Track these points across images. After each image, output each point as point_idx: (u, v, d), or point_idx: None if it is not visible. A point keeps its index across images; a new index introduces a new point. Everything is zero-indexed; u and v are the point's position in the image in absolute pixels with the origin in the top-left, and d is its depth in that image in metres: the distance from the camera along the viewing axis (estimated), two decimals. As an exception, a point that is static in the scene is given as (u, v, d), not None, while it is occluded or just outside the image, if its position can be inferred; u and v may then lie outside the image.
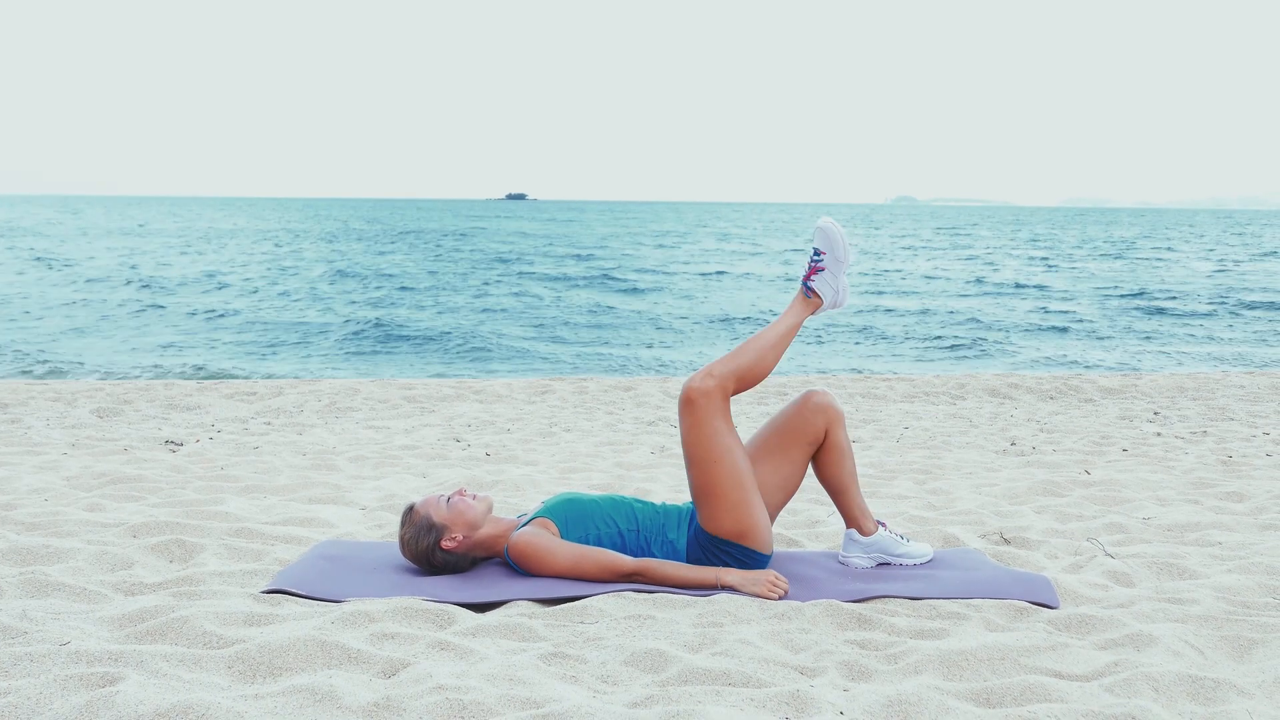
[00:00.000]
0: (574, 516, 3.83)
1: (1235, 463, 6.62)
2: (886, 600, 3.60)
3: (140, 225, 64.79)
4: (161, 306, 21.88)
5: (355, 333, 18.20)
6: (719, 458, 3.67)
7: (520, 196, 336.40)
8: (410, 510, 3.84)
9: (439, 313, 21.33)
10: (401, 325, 18.91)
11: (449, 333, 18.17)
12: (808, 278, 3.86)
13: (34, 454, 6.51)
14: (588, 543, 3.78)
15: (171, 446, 6.95)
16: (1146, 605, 3.53)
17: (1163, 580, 3.95)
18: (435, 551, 3.78)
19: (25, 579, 3.50)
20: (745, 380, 3.75)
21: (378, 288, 26.06)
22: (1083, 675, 2.94)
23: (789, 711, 2.65)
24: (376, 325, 18.83)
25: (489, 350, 16.64)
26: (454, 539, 3.78)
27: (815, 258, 3.85)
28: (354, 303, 22.67)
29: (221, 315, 20.44)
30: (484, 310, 21.98)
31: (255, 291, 24.72)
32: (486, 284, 27.96)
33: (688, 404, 3.68)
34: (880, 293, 26.41)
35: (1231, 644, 3.19)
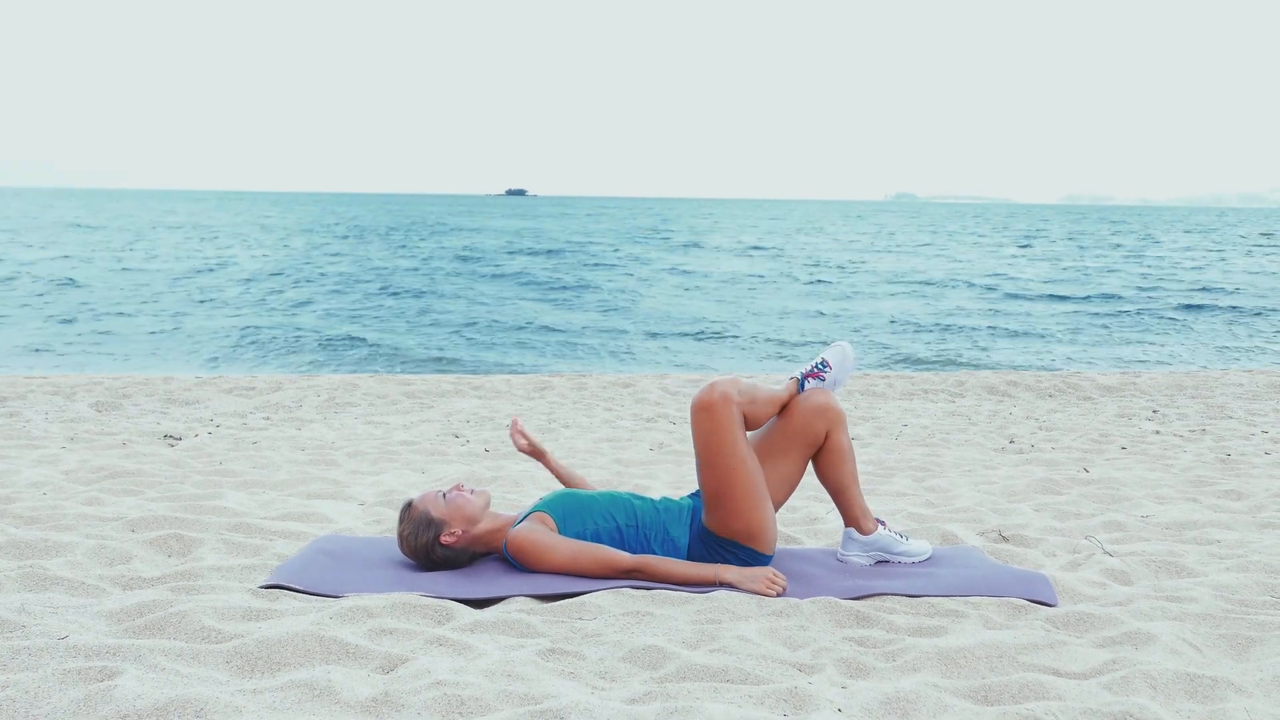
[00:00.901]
0: (572, 512, 3.83)
1: (1234, 461, 6.62)
2: (885, 598, 3.60)
3: (111, 220, 64.03)
4: (44, 298, 21.43)
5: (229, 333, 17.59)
6: (738, 463, 3.67)
7: (520, 192, 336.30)
8: (408, 506, 3.83)
9: (349, 316, 20.33)
10: (292, 331, 18.11)
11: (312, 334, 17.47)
12: (807, 377, 3.94)
13: (33, 448, 6.50)
14: (586, 538, 3.78)
15: (170, 441, 6.95)
16: (1145, 603, 3.54)
17: (1161, 578, 3.95)
18: (434, 547, 3.78)
19: (23, 573, 3.49)
20: (746, 416, 3.74)
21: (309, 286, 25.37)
22: (1081, 673, 2.94)
23: (787, 708, 2.65)
24: (258, 329, 18.19)
25: (372, 349, 16.24)
26: (453, 534, 3.78)
27: (821, 367, 3.95)
28: (265, 307, 21.67)
29: (109, 315, 19.53)
30: (383, 310, 21.37)
31: (151, 298, 23.13)
32: (434, 276, 27.69)
33: (707, 408, 3.66)
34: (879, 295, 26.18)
35: (1229, 642, 3.19)
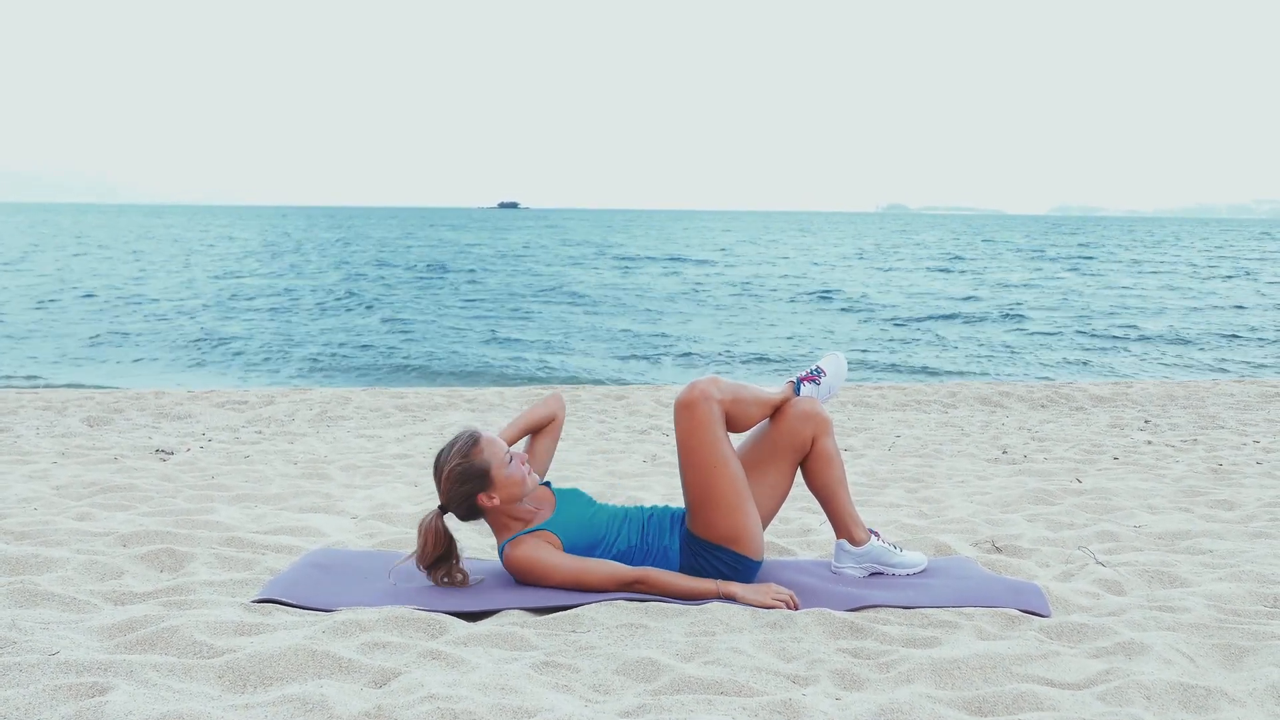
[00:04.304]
0: (580, 532, 3.77)
1: (1225, 471, 6.64)
2: (879, 609, 3.60)
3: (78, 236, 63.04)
4: None
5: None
6: (719, 463, 3.66)
7: (513, 205, 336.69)
8: (474, 442, 3.65)
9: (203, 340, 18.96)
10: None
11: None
12: (803, 380, 3.99)
13: (24, 462, 6.48)
14: (594, 555, 3.75)
15: (162, 455, 6.93)
16: (1138, 613, 3.54)
17: (1154, 588, 3.95)
18: (470, 499, 3.65)
19: (14, 588, 3.48)
20: (731, 415, 3.74)
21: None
22: (1074, 684, 2.94)
23: (781, 720, 2.64)
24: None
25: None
26: (493, 499, 3.66)
27: (816, 372, 4.02)
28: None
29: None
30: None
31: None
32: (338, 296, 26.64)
33: (687, 405, 3.66)
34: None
35: (1223, 652, 3.20)
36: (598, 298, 26.98)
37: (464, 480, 3.64)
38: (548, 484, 3.97)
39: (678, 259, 43.90)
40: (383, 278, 32.63)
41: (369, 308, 24.10)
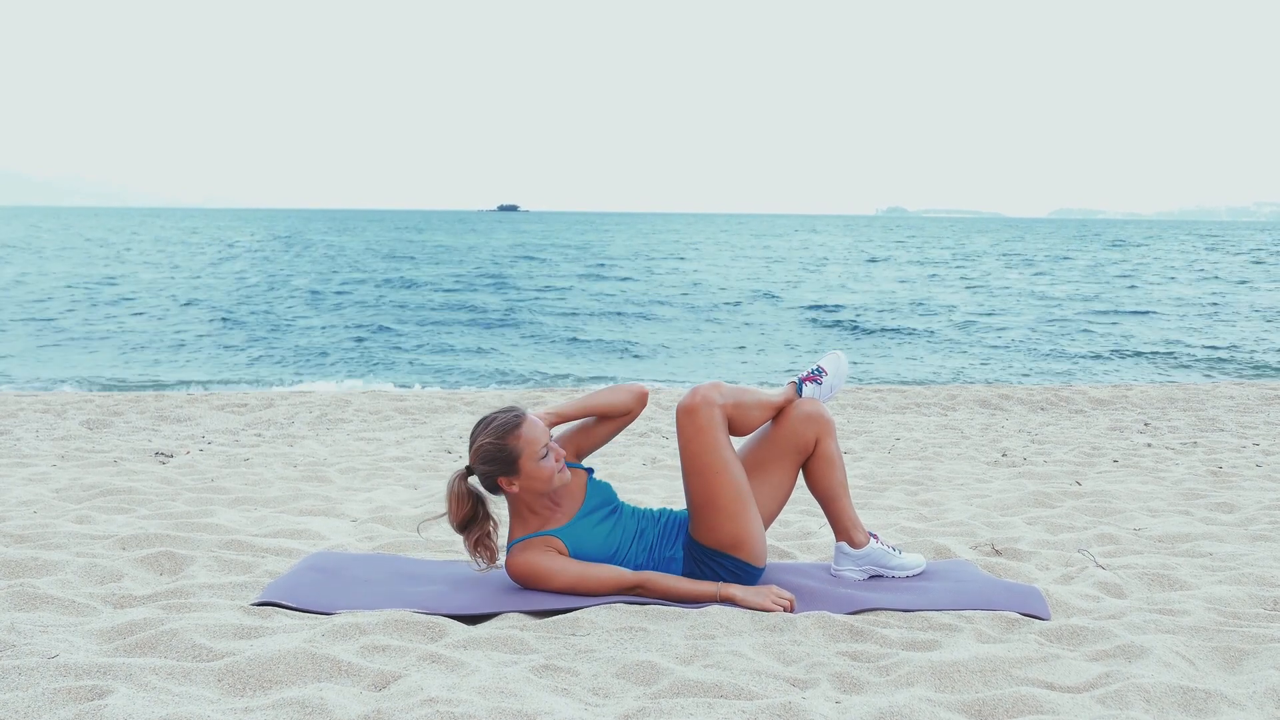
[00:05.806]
0: (591, 546, 3.71)
1: (1225, 473, 6.64)
2: (878, 612, 3.60)
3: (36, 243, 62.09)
4: None
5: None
6: (720, 468, 3.65)
7: (512, 208, 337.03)
8: (515, 425, 3.56)
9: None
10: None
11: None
12: (805, 381, 3.99)
13: (23, 465, 6.48)
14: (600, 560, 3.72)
15: (161, 458, 6.93)
16: (1137, 616, 3.54)
17: (1153, 591, 3.95)
18: (492, 480, 3.61)
19: (13, 591, 3.48)
20: (733, 419, 3.73)
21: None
22: (1074, 686, 2.94)
23: (781, 723, 2.64)
24: None
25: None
26: (514, 487, 3.60)
27: (817, 372, 4.02)
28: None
29: None
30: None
31: None
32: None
33: (689, 411, 3.66)
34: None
35: (1222, 655, 3.20)
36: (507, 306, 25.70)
37: (489, 461, 3.57)
38: (590, 470, 3.87)
39: (644, 257, 45.82)
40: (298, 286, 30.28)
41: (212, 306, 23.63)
